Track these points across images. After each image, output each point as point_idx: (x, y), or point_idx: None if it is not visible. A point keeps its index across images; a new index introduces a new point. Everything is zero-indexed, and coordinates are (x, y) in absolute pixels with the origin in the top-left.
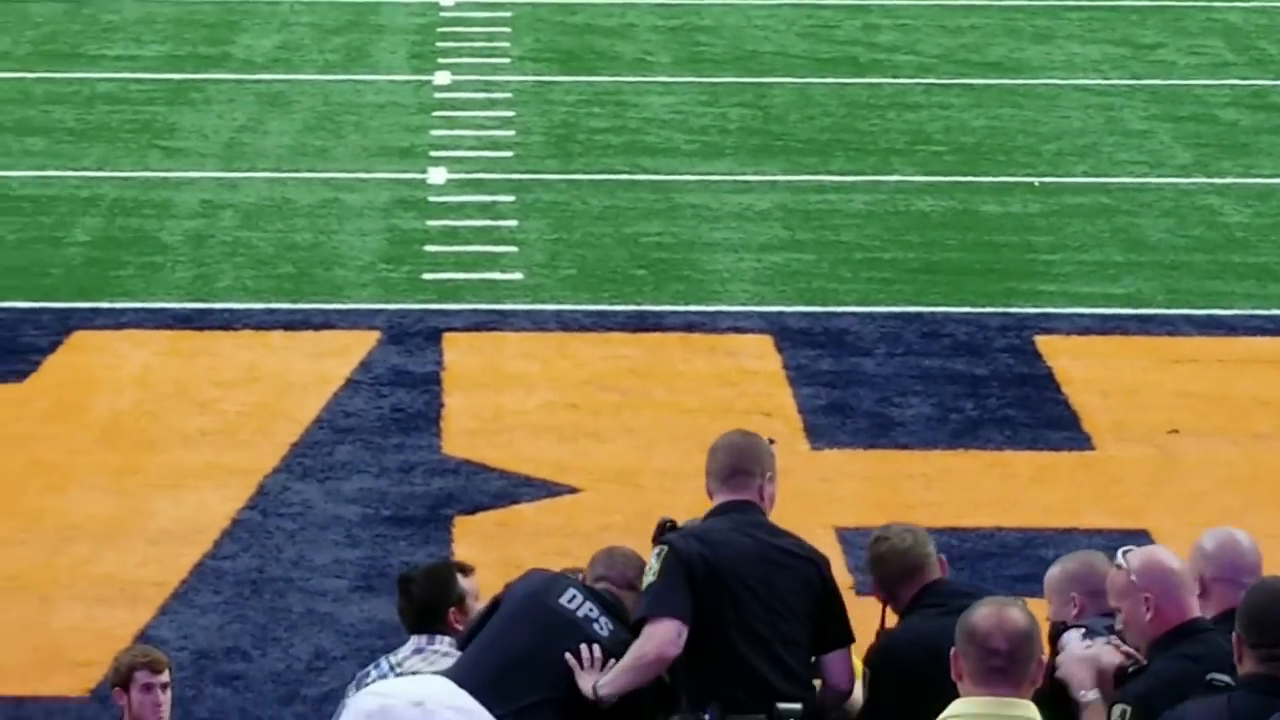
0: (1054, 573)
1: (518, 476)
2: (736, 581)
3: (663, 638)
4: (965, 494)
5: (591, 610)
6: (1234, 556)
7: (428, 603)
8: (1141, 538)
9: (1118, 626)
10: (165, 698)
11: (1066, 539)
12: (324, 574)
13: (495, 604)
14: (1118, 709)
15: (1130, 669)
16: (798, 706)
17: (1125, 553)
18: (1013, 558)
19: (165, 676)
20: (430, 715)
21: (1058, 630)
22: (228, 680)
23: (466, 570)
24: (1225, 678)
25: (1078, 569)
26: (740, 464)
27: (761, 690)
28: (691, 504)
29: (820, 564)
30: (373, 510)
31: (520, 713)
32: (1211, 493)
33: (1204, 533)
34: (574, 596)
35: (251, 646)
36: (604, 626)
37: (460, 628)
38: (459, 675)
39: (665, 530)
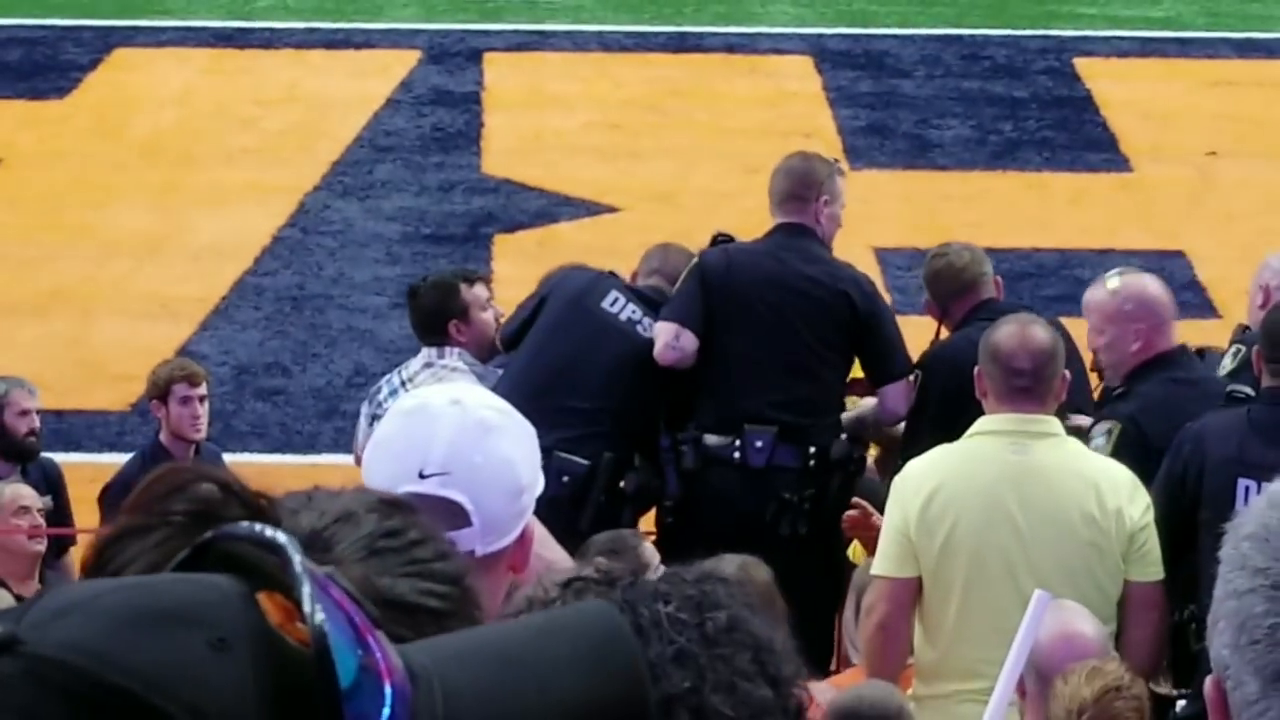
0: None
1: (557, 196)
2: (747, 302)
3: (661, 339)
4: (1003, 214)
5: (634, 312)
6: None
7: (429, 313)
8: (1177, 259)
9: (1096, 345)
10: (203, 410)
11: (1103, 259)
12: (364, 291)
13: (541, 300)
14: (1103, 426)
15: (1115, 391)
16: (770, 429)
17: (1116, 275)
18: (1049, 278)
19: (202, 389)
20: (468, 413)
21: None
22: (268, 395)
23: (472, 279)
24: (1247, 389)
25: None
26: (792, 188)
27: (742, 411)
28: (730, 224)
29: (854, 296)
30: (412, 228)
31: (568, 422)
32: (1248, 214)
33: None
34: (616, 299)
35: (291, 362)
36: (647, 328)
37: (464, 339)
38: (505, 388)
39: (713, 242)
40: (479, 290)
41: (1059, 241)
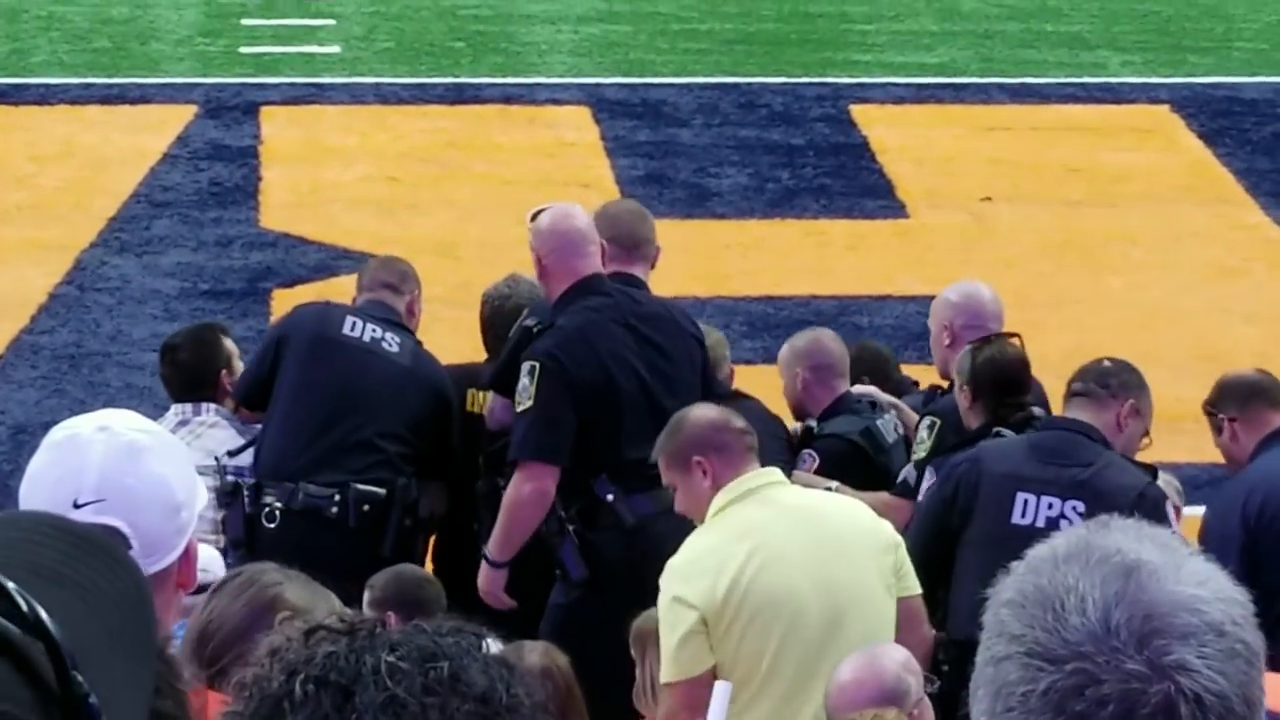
0: (784, 349)
1: (336, 249)
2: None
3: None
4: (781, 263)
5: (375, 331)
6: (978, 305)
7: (197, 368)
8: None
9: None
10: None
11: (881, 306)
12: (142, 348)
13: (277, 349)
14: (525, 365)
15: (535, 328)
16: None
17: (534, 214)
18: (828, 325)
19: None
20: (116, 437)
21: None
22: None
23: (226, 331)
24: (1008, 431)
25: (804, 345)
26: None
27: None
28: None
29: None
30: (190, 284)
31: (355, 453)
32: (1023, 258)
33: (948, 287)
34: (354, 324)
35: None
36: (392, 343)
37: (230, 389)
38: (277, 435)
39: None
40: (232, 341)
41: (837, 288)
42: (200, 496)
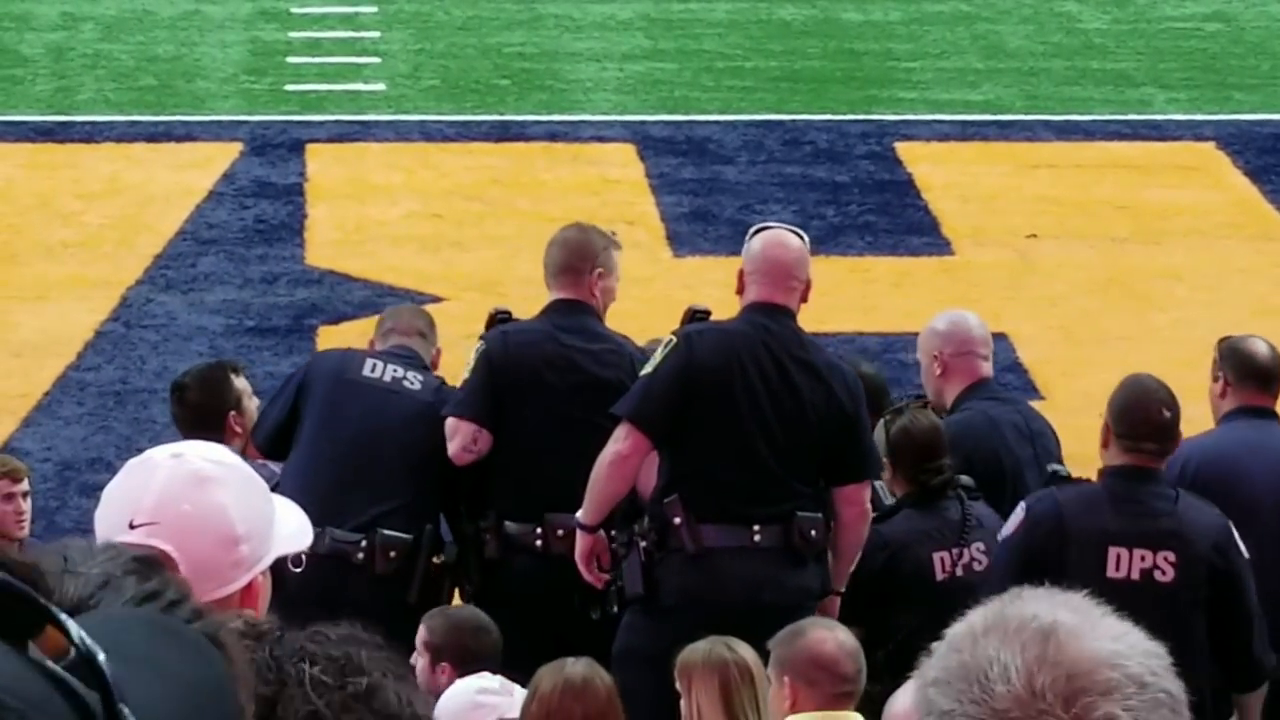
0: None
1: (381, 286)
2: (534, 389)
3: (459, 440)
4: (826, 299)
5: (396, 371)
6: (965, 332)
7: (205, 408)
8: (1000, 341)
9: None
10: (26, 506)
11: None
12: None
13: (298, 394)
14: (665, 339)
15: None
16: (571, 516)
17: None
18: (873, 362)
19: (25, 485)
20: (184, 464)
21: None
22: (91, 491)
23: (239, 369)
24: (1062, 468)
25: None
26: (568, 260)
27: (542, 498)
28: None
29: (628, 372)
30: (236, 321)
31: (381, 497)
32: (1069, 296)
33: (935, 316)
34: (374, 365)
35: (115, 457)
36: (414, 381)
37: (239, 430)
38: (302, 479)
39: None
40: (244, 380)
41: (882, 325)
42: (282, 537)
